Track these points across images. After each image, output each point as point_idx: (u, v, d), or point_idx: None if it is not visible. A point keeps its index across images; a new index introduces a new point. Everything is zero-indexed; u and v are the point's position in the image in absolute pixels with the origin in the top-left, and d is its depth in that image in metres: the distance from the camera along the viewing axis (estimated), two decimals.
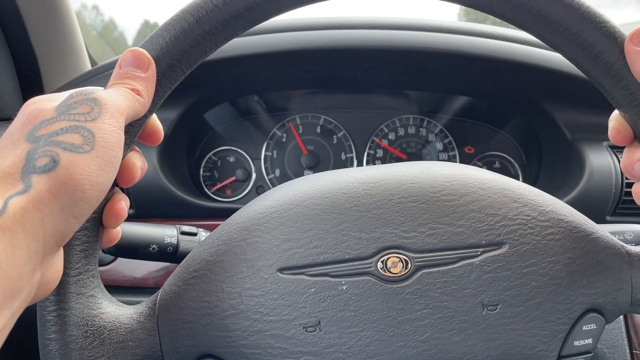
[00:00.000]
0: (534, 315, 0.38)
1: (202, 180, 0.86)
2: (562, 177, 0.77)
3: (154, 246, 0.53)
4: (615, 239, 0.41)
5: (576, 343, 0.39)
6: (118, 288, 0.69)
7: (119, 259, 0.69)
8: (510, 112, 0.86)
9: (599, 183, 0.71)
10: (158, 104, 0.36)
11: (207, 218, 0.74)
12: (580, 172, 0.72)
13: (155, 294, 0.40)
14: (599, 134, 0.75)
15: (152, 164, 0.72)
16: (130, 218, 0.71)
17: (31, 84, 0.79)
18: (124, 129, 0.32)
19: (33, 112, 0.30)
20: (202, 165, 0.86)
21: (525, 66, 0.73)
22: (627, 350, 0.64)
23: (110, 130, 0.30)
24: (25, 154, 0.28)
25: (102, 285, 0.37)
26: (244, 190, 0.86)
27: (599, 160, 0.72)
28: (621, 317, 0.66)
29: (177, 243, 0.54)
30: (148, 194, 0.71)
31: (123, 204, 0.35)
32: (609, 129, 0.38)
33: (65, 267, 0.34)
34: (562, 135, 0.77)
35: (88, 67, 0.91)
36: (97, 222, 0.35)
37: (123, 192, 0.37)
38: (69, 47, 0.83)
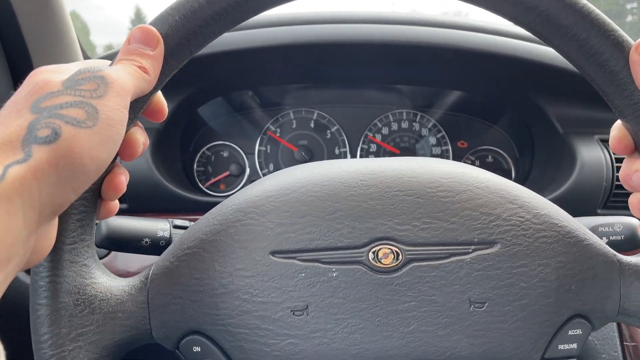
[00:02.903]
0: (521, 315, 0.38)
1: (196, 175, 0.86)
2: (554, 171, 0.77)
3: (147, 239, 0.53)
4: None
5: (560, 347, 0.39)
6: None
7: (113, 253, 0.69)
8: (502, 107, 0.86)
9: (590, 176, 0.72)
10: (164, 82, 0.36)
11: (201, 213, 0.73)
12: (571, 166, 0.73)
13: (147, 268, 0.40)
14: (590, 127, 0.75)
15: (145, 158, 0.72)
16: (123, 213, 0.71)
17: (23, 76, 0.78)
18: (128, 107, 0.32)
19: (40, 82, 0.30)
20: (196, 160, 0.86)
21: (517, 60, 0.73)
22: (618, 342, 0.64)
23: (115, 108, 0.31)
24: (28, 124, 0.28)
25: (96, 256, 0.38)
26: (237, 185, 0.86)
27: (590, 154, 0.73)
28: None
29: (170, 237, 0.54)
30: (141, 189, 0.71)
31: (123, 177, 0.36)
32: (610, 138, 0.38)
33: (60, 235, 0.34)
34: (554, 129, 0.77)
35: (80, 60, 0.90)
36: (96, 193, 0.35)
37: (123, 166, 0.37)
38: (61, 41, 0.83)
